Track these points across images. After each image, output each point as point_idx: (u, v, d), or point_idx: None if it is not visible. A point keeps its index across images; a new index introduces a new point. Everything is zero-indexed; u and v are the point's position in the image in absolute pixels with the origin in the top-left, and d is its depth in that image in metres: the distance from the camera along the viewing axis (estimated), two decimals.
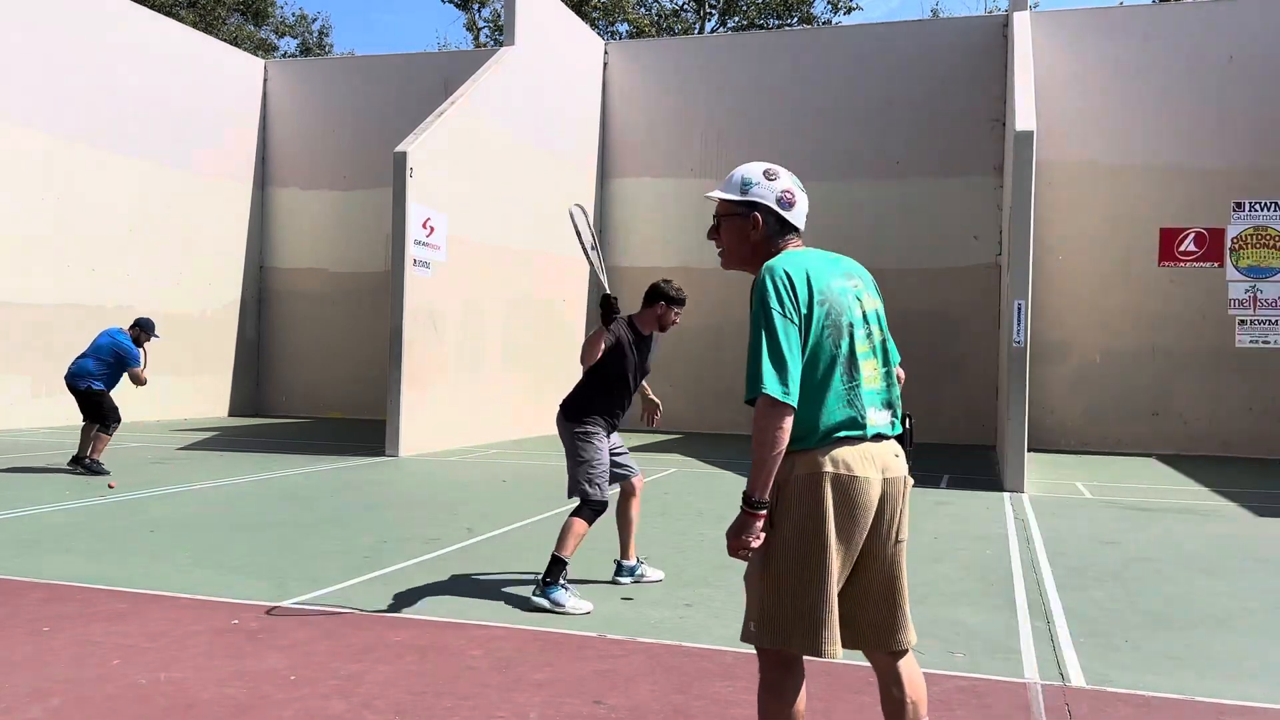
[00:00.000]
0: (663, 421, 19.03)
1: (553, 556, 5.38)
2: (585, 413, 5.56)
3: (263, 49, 36.81)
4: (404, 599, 5.46)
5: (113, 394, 10.68)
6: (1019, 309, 11.01)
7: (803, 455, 2.54)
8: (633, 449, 15.03)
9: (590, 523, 5.48)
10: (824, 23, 36.55)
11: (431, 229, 13.83)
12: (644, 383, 5.86)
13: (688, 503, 9.47)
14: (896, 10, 61.94)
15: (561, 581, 5.34)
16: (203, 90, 19.86)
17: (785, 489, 2.55)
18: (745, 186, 2.67)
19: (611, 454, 5.71)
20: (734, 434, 18.32)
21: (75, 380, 10.50)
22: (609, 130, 19.85)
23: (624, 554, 6.05)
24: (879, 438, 2.62)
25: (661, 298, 5.61)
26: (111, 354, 10.56)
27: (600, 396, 5.59)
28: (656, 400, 5.91)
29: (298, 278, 21.30)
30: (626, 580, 6.03)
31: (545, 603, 5.27)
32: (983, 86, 17.74)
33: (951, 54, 18.03)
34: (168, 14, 29.05)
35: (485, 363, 15.50)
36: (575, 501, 5.58)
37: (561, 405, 5.65)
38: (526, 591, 5.66)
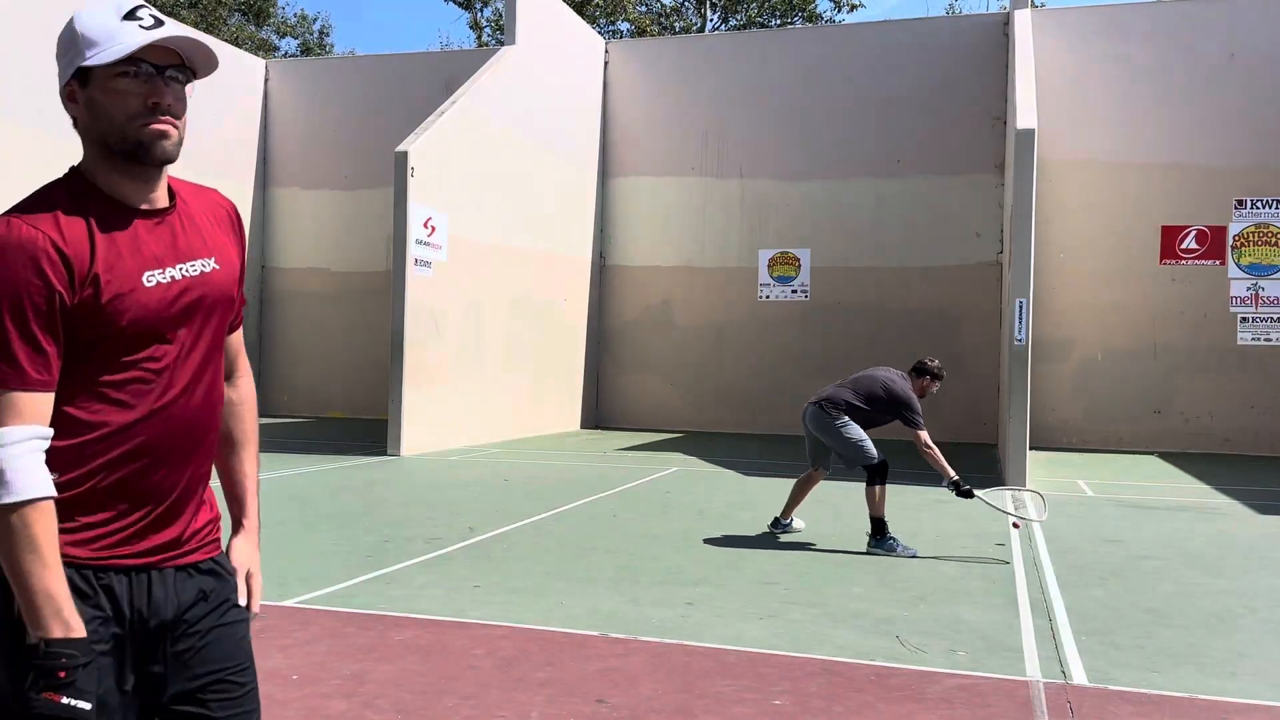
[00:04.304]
0: (664, 421, 19.09)
1: (872, 519, 7.04)
2: (840, 412, 7.15)
3: (263, 49, 36.82)
4: (406, 599, 5.46)
5: None
6: (1020, 307, 11.00)
7: None
8: (631, 449, 15.04)
9: (882, 484, 7.07)
10: (826, 21, 36.53)
11: (433, 229, 13.84)
12: (938, 457, 7.23)
13: (689, 502, 9.47)
14: (896, 9, 61.91)
15: (889, 534, 7.00)
16: (203, 90, 19.71)
17: None
18: None
19: (822, 447, 7.38)
20: (734, 433, 18.32)
21: None
22: (610, 129, 19.84)
23: (784, 514, 7.62)
24: None
25: (927, 373, 7.35)
26: None
27: (859, 418, 7.20)
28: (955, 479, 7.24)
29: (299, 278, 21.30)
30: (777, 531, 7.59)
31: (881, 551, 6.93)
32: (984, 84, 17.73)
33: (953, 52, 18.02)
34: (169, 14, 29.06)
35: (486, 362, 15.51)
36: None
37: (821, 405, 7.22)
38: (529, 590, 5.67)
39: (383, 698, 3.85)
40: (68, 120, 1.64)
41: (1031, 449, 11.83)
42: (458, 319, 14.65)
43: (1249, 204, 16.33)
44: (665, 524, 8.13)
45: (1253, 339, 16.23)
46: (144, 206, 1.63)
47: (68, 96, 1.62)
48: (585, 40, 19.26)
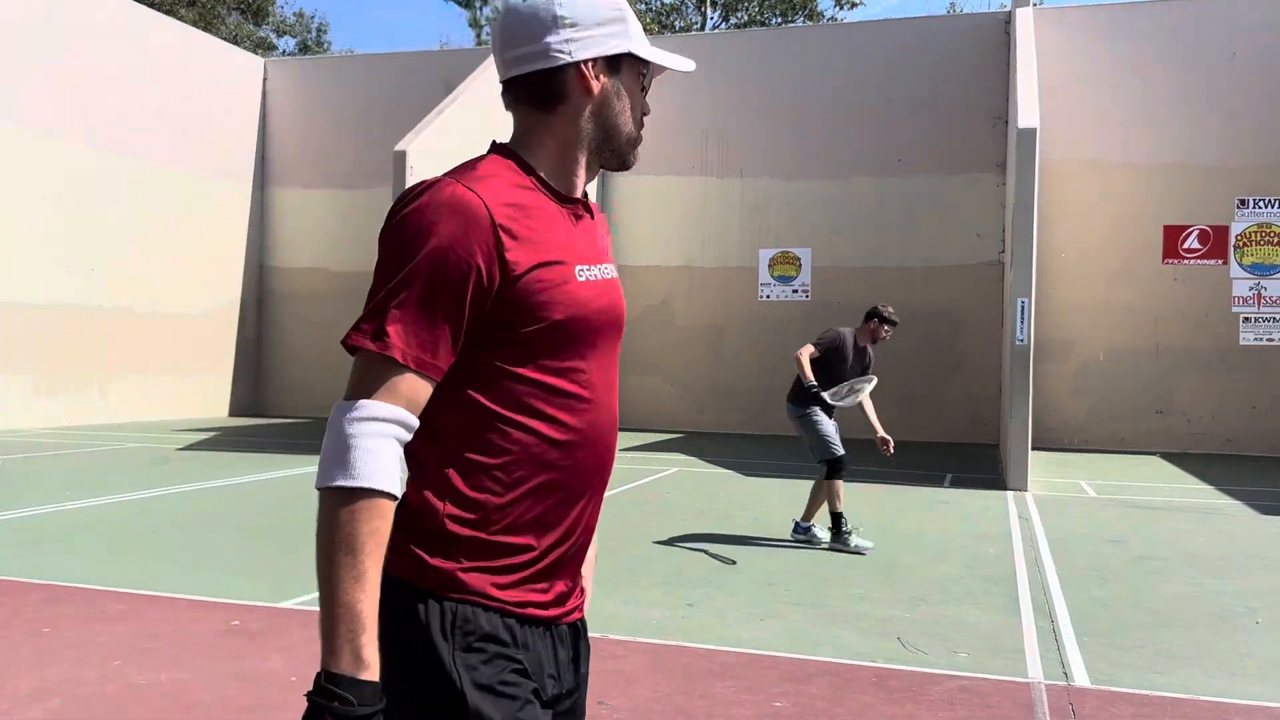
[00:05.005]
0: (664, 421, 19.06)
1: (831, 514, 7.08)
2: (806, 402, 7.10)
3: (262, 48, 36.79)
4: None
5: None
6: (1022, 307, 10.98)
7: None
8: (631, 449, 15.01)
9: (839, 478, 7.05)
10: (828, 19, 36.51)
11: None
12: (870, 412, 7.31)
13: (689, 503, 9.45)
14: (896, 7, 61.92)
15: (845, 528, 7.06)
16: (202, 89, 19.85)
17: None
18: None
19: None
20: (735, 433, 18.29)
21: None
22: None
23: (805, 517, 7.36)
24: None
25: (875, 316, 7.21)
26: None
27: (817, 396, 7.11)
28: (886, 436, 7.15)
29: (298, 277, 21.29)
30: (799, 536, 7.33)
31: (840, 545, 7.03)
32: (986, 83, 17.70)
33: (954, 51, 17.99)
34: (167, 13, 29.04)
35: None
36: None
37: (788, 397, 7.26)
38: None
39: None
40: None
41: (1033, 449, 11.81)
42: None
43: (1251, 203, 16.30)
44: (665, 524, 8.11)
45: (1255, 339, 16.21)
46: (578, 198, 1.48)
47: (583, 71, 1.40)
48: None
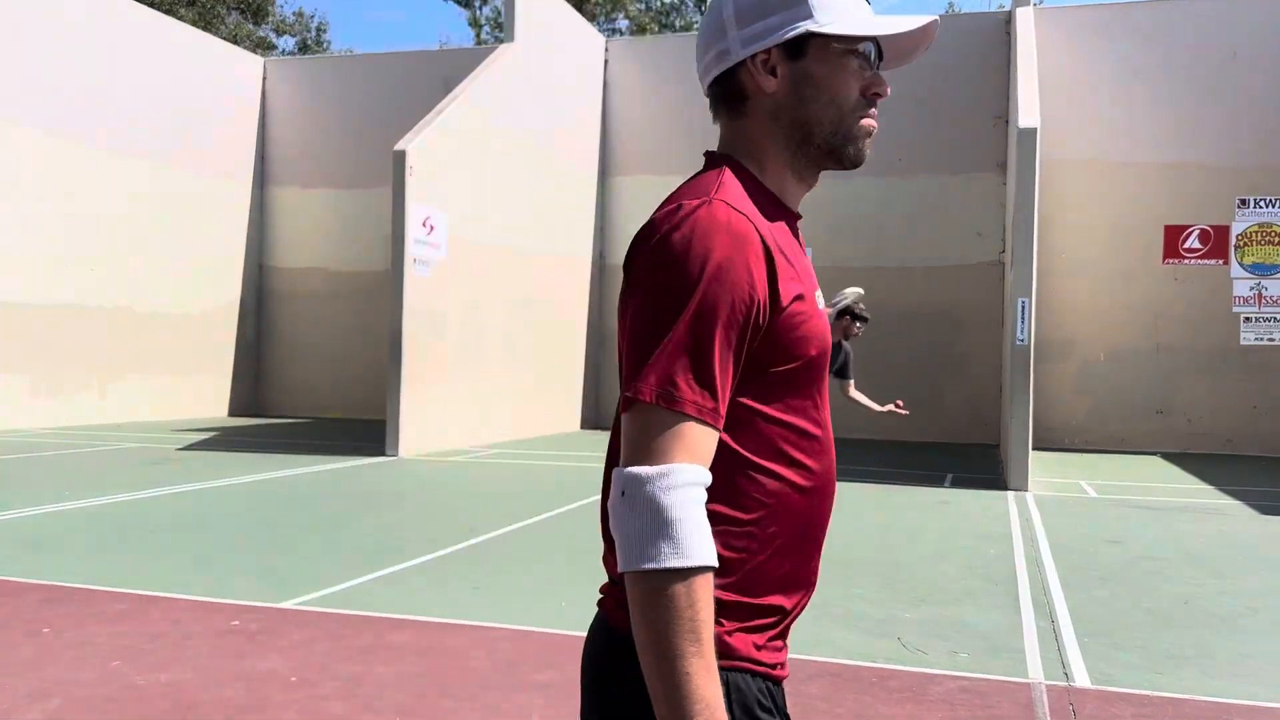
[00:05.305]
0: None
1: None
2: None
3: (262, 47, 36.78)
4: (405, 600, 5.44)
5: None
6: (1022, 307, 10.97)
7: None
8: None
9: None
10: None
11: (431, 228, 13.80)
12: (863, 399, 7.46)
13: None
14: (896, 8, 61.90)
15: None
16: (202, 89, 19.84)
17: None
18: None
19: None
20: None
21: None
22: (610, 128, 19.80)
23: None
24: None
25: (846, 312, 7.27)
26: None
27: None
28: (891, 407, 7.27)
29: (297, 277, 21.28)
30: None
31: None
32: (986, 83, 17.69)
33: (955, 51, 17.98)
34: (167, 12, 29.03)
35: (485, 362, 15.47)
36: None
37: None
38: (529, 591, 5.64)
39: (381, 699, 3.83)
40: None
41: (1033, 449, 11.80)
42: (457, 319, 14.62)
43: (1252, 203, 16.29)
44: None
45: (1256, 339, 16.20)
46: (798, 213, 1.30)
47: (761, 64, 1.24)
48: (585, 38, 19.23)
